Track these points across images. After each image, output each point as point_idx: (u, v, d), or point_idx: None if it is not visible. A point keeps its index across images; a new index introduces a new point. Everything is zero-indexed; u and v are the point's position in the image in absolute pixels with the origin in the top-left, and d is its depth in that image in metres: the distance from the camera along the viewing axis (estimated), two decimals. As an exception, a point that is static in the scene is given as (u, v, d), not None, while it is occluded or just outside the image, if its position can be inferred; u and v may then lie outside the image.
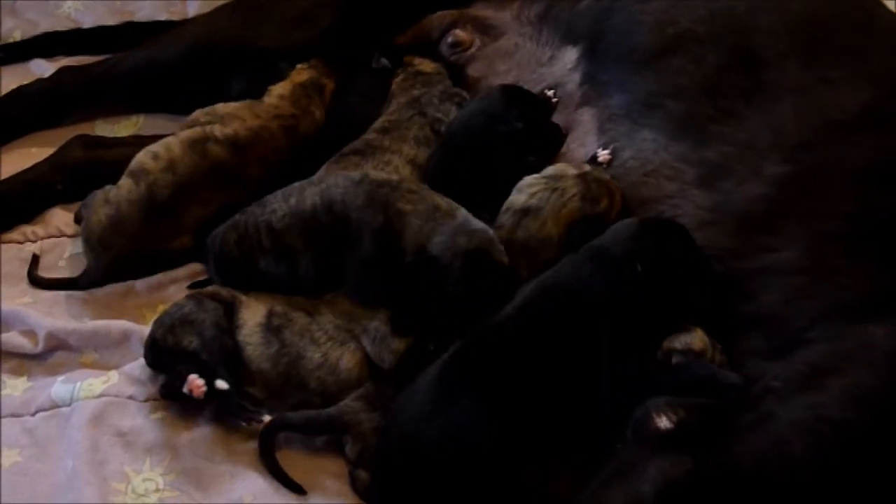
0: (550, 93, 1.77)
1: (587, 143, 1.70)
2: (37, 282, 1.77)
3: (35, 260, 1.78)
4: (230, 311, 1.57)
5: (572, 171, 1.60)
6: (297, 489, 1.45)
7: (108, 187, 1.75)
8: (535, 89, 1.80)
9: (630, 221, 1.48)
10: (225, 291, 1.60)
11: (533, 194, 1.58)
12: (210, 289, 1.62)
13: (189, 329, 1.53)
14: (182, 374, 1.50)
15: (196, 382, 1.46)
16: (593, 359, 1.37)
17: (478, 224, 1.53)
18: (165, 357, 1.54)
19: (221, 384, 1.47)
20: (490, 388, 1.36)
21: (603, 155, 1.64)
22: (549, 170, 1.62)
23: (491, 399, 1.34)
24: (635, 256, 1.40)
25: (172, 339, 1.53)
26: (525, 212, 1.57)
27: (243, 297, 1.59)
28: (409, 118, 1.79)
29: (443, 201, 1.55)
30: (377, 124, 1.82)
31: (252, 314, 1.57)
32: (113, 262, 1.72)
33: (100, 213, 1.71)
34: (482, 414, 1.33)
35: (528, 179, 1.61)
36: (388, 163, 1.72)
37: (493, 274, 1.49)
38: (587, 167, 1.62)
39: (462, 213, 1.54)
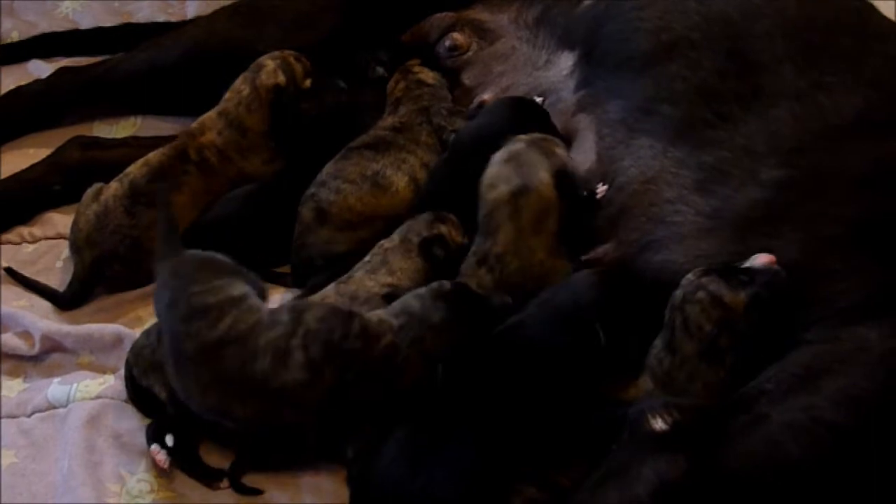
0: (540, 99, 1.77)
1: (585, 149, 1.70)
2: (21, 281, 1.77)
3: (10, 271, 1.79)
4: None
5: (520, 144, 1.60)
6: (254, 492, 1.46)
7: (96, 185, 1.78)
8: (529, 94, 1.80)
9: (590, 280, 1.45)
10: None
11: (509, 179, 1.56)
12: None
13: (160, 377, 1.49)
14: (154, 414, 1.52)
15: (158, 457, 1.47)
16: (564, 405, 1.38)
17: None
18: (141, 394, 1.54)
19: (169, 440, 1.47)
20: (465, 448, 1.34)
21: (601, 191, 1.63)
22: (500, 156, 1.60)
23: (466, 460, 1.33)
24: (599, 316, 1.40)
25: (146, 381, 1.52)
26: (517, 193, 1.55)
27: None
28: (419, 124, 1.80)
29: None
30: (387, 123, 1.82)
31: None
32: (97, 261, 1.73)
33: (88, 212, 1.75)
34: (459, 474, 1.32)
35: (492, 173, 1.59)
36: (405, 161, 1.73)
37: (473, 297, 1.48)
38: (525, 137, 1.62)
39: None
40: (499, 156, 1.60)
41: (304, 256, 1.69)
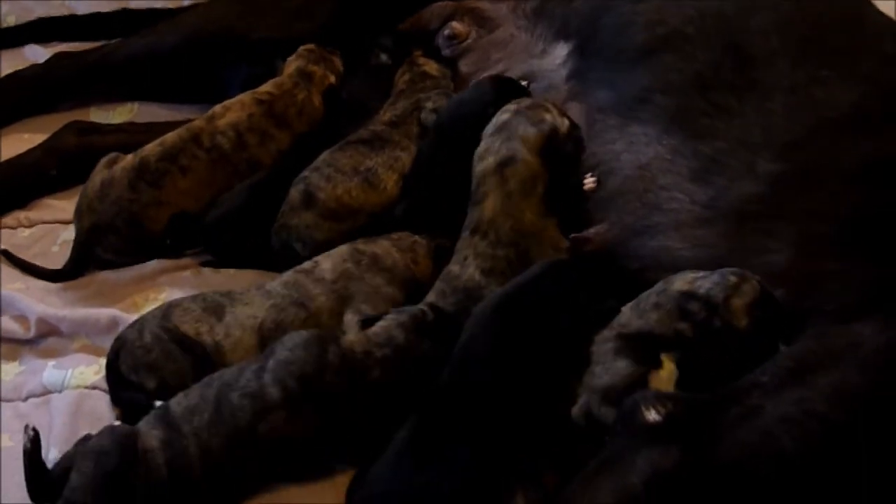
0: (524, 83, 1.77)
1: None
2: (18, 263, 1.78)
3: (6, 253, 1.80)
4: (204, 362, 1.51)
5: (507, 114, 1.61)
6: None
7: (112, 154, 1.80)
8: (520, 79, 1.79)
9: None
10: (202, 337, 1.53)
11: (497, 151, 1.58)
12: (187, 329, 1.54)
13: (152, 375, 1.50)
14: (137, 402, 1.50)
15: None
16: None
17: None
18: (125, 388, 1.53)
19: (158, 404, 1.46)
20: (462, 451, 1.32)
21: (589, 182, 1.63)
22: (490, 129, 1.62)
23: (463, 462, 1.31)
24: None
25: (136, 378, 1.51)
26: (503, 164, 1.57)
27: (224, 346, 1.52)
28: (409, 114, 1.80)
29: None
30: (385, 117, 1.82)
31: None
32: (93, 228, 1.74)
33: (96, 178, 1.76)
34: (457, 477, 1.30)
35: (483, 146, 1.60)
36: (398, 159, 1.73)
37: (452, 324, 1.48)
38: (513, 105, 1.62)
39: None
40: (489, 128, 1.62)
41: (282, 239, 1.69)
